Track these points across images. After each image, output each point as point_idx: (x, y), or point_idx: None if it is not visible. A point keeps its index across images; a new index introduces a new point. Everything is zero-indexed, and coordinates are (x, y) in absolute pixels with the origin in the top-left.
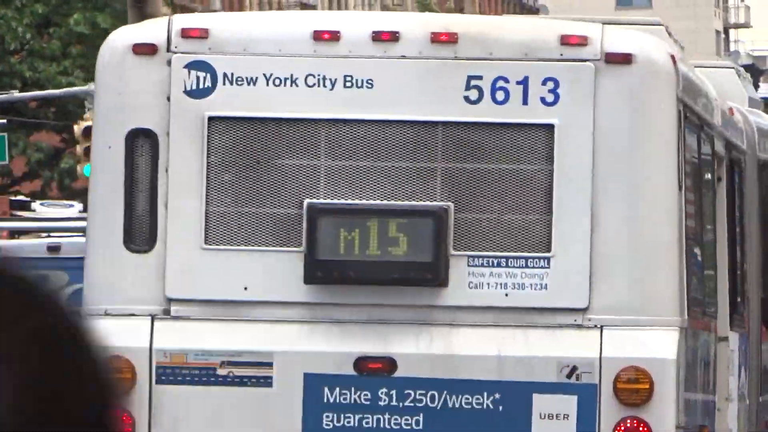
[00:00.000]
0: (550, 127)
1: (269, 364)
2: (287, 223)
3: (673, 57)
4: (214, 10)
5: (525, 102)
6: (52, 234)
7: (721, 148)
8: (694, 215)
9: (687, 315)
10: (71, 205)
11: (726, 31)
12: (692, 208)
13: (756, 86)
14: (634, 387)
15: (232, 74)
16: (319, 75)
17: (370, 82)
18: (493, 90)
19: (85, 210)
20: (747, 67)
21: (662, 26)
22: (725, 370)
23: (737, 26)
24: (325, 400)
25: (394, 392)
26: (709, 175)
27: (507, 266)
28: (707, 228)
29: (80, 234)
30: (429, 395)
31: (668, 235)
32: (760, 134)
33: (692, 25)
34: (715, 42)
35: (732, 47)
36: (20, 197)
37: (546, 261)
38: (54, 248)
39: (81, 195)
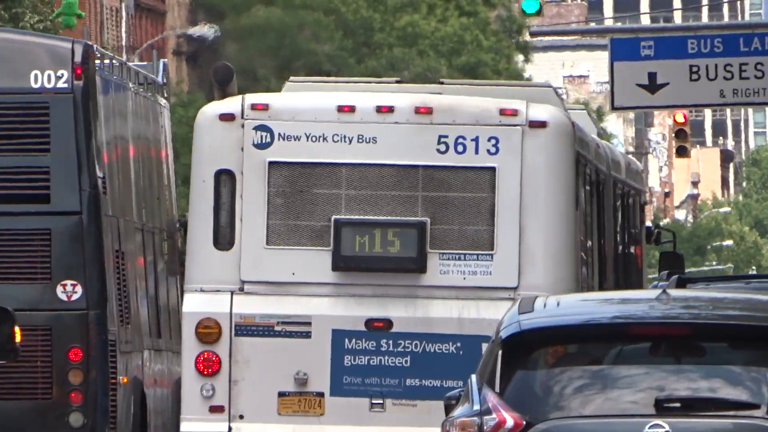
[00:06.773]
0: (493, 169)
1: (309, 323)
2: (321, 231)
3: (573, 123)
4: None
5: (477, 152)
6: None
7: (594, 174)
8: (583, 224)
9: (580, 289)
10: None
11: None
12: (581, 220)
13: None
14: None
15: (285, 133)
16: (341, 134)
17: (375, 139)
18: (456, 144)
19: None
20: None
21: (550, 87)
22: None
23: None
24: (345, 347)
25: (391, 342)
26: (589, 195)
27: (465, 260)
28: (589, 233)
29: None
30: (413, 344)
31: (568, 239)
32: (612, 160)
33: None
34: None
35: None
36: None
37: (490, 256)
38: None
39: None
